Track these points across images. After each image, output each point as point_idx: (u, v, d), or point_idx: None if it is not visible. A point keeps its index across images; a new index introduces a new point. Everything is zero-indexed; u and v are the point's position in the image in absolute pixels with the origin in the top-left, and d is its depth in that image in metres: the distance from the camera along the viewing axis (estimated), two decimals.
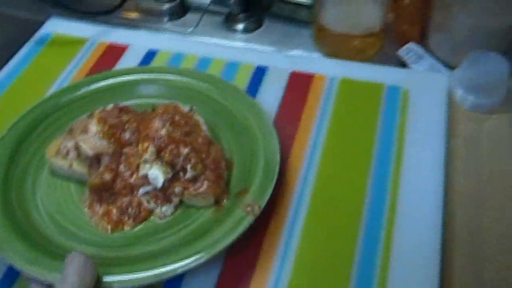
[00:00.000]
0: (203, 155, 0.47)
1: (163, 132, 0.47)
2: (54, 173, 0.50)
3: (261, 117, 0.51)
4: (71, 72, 0.63)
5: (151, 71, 0.58)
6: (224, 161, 0.48)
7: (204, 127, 0.51)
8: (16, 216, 0.45)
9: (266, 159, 0.47)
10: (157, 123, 0.48)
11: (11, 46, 0.67)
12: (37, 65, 0.65)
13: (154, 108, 0.53)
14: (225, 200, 0.46)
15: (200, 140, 0.48)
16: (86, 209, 0.47)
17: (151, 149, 0.46)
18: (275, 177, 0.45)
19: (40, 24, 0.70)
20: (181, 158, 0.46)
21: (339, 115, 0.55)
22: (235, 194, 0.46)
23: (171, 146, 0.46)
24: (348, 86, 0.58)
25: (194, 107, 0.52)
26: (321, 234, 0.45)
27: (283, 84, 0.59)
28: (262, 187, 0.45)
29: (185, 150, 0.46)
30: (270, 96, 0.57)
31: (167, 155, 0.46)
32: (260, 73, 0.60)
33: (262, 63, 0.61)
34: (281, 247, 0.45)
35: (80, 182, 0.49)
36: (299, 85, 0.59)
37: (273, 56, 0.64)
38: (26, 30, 0.69)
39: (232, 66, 0.61)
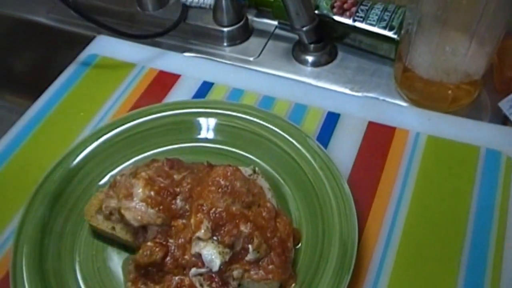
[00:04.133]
0: (268, 233, 0.41)
1: (220, 205, 0.40)
2: (95, 232, 0.45)
3: (337, 180, 0.45)
4: (117, 99, 0.57)
5: (207, 106, 0.52)
6: (292, 237, 0.42)
7: (268, 195, 0.44)
8: None
9: (341, 240, 0.41)
10: (213, 194, 0.41)
11: (58, 61, 0.63)
12: (82, 89, 0.59)
13: (209, 164, 0.46)
14: (292, 286, 0.41)
15: (264, 213, 0.42)
16: (129, 284, 0.41)
17: (206, 225, 0.40)
18: (351, 269, 0.40)
19: (88, 40, 0.64)
20: (242, 238, 0.40)
21: (424, 181, 0.48)
22: (303, 281, 0.41)
23: (230, 225, 0.40)
24: (436, 145, 0.50)
25: (257, 168, 0.45)
26: None
27: (359, 136, 0.51)
28: (335, 280, 0.39)
29: (246, 229, 0.40)
30: (343, 149, 0.50)
31: (225, 237, 0.39)
32: (331, 119, 0.53)
33: (335, 108, 0.53)
34: None
35: (124, 245, 0.44)
36: (378, 139, 0.51)
37: (347, 100, 0.55)
38: (74, 46, 0.64)
39: (299, 109, 0.54)
